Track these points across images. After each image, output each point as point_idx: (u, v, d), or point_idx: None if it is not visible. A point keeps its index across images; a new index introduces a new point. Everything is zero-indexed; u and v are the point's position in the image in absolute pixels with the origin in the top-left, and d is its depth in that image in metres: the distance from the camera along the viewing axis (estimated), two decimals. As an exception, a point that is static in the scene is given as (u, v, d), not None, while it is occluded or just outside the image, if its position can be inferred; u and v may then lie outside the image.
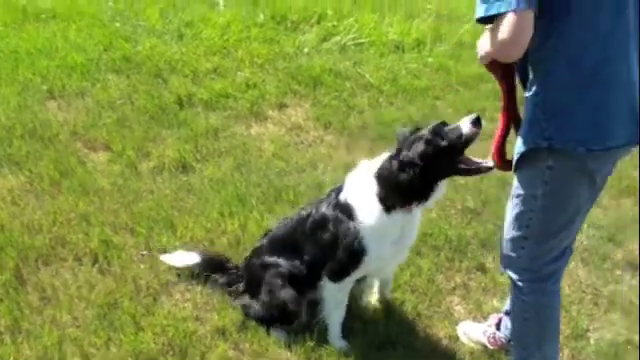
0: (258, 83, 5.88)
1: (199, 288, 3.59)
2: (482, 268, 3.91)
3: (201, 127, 5.13)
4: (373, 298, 3.60)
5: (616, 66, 2.41)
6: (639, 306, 3.68)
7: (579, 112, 2.42)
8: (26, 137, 4.84)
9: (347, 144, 5.14)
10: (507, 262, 2.83)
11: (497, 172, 2.93)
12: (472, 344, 3.38)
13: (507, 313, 3.19)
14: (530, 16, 2.20)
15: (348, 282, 3.24)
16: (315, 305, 3.35)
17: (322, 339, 3.30)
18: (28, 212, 4.08)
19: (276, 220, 3.77)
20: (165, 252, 3.74)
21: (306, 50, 6.56)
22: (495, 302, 3.66)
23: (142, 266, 3.72)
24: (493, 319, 3.37)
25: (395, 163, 2.93)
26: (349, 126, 5.37)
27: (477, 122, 2.84)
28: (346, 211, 3.09)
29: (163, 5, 7.34)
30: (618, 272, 3.97)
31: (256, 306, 3.36)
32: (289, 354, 3.25)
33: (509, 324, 3.14)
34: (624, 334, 3.53)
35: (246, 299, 3.44)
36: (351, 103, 5.72)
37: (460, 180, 4.36)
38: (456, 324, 3.50)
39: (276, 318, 3.31)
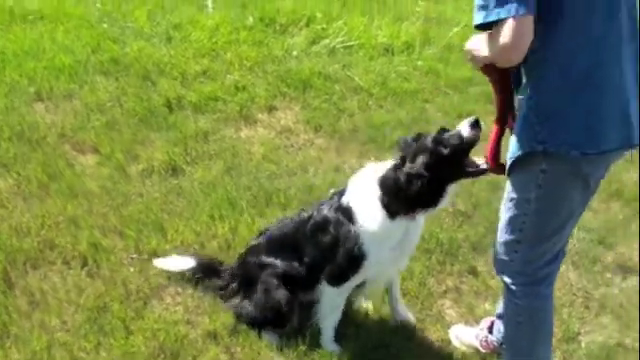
0: (247, 86, 5.85)
1: (190, 291, 3.57)
2: (473, 271, 3.92)
3: (190, 130, 5.10)
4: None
5: (608, 70, 2.41)
6: (639, 309, 3.69)
7: (572, 116, 2.42)
8: (14, 139, 4.79)
9: (337, 147, 5.13)
10: (501, 266, 2.83)
11: (487, 175, 2.94)
12: (464, 347, 3.37)
13: (499, 316, 3.19)
14: (530, 21, 2.21)
15: (347, 287, 3.23)
16: (308, 307, 3.33)
17: (314, 343, 3.28)
18: (16, 215, 4.04)
19: (267, 223, 3.76)
20: (156, 255, 3.72)
21: (295, 53, 6.54)
22: (487, 305, 3.66)
23: (132, 269, 3.70)
24: (485, 322, 3.37)
25: (402, 176, 2.93)
26: (339, 129, 5.36)
27: (476, 124, 2.86)
28: (348, 215, 3.08)
29: (151, 7, 7.29)
30: (608, 275, 3.99)
31: (249, 307, 3.34)
32: (281, 358, 3.23)
33: (501, 327, 3.14)
34: (615, 337, 3.54)
35: (239, 300, 3.41)
36: (341, 106, 5.71)
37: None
38: (448, 327, 3.49)
39: (269, 320, 3.29)
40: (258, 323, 3.33)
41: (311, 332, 3.31)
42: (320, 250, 3.19)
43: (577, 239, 4.18)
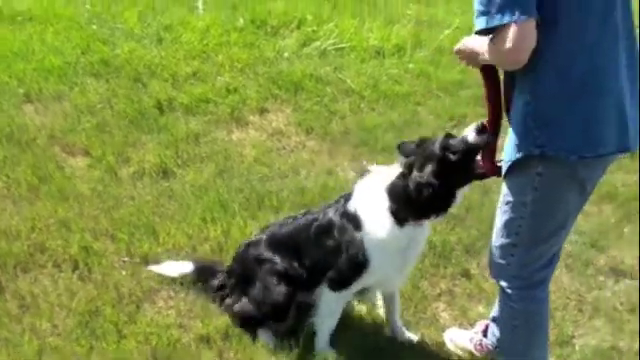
0: (239, 88, 5.83)
1: (182, 295, 3.54)
2: (467, 274, 3.91)
3: (181, 132, 5.07)
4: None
5: (604, 74, 2.42)
6: (639, 313, 3.70)
7: (569, 123, 2.42)
8: (3, 141, 4.76)
9: (329, 150, 5.11)
10: (496, 270, 2.83)
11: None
12: (459, 351, 3.36)
13: (494, 319, 3.18)
14: (532, 25, 2.22)
15: (347, 293, 3.21)
16: (305, 308, 3.31)
17: (309, 346, 3.26)
18: (6, 218, 4.00)
19: (259, 226, 3.74)
20: (147, 259, 3.70)
21: (286, 55, 6.53)
22: (480, 308, 3.65)
23: (124, 273, 3.66)
24: (480, 326, 3.36)
25: (411, 184, 2.90)
26: (331, 132, 5.34)
27: (481, 129, 2.83)
28: (354, 221, 3.06)
29: (141, 8, 7.25)
30: (601, 278, 3.99)
31: (247, 303, 3.32)
32: (275, 362, 3.21)
33: (496, 331, 3.14)
34: (609, 340, 3.54)
35: (236, 297, 3.38)
36: (332, 108, 5.69)
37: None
38: (442, 330, 3.48)
39: (267, 315, 3.27)
40: (256, 319, 3.30)
41: (305, 335, 3.29)
42: (322, 253, 3.17)
43: (569, 242, 4.17)
